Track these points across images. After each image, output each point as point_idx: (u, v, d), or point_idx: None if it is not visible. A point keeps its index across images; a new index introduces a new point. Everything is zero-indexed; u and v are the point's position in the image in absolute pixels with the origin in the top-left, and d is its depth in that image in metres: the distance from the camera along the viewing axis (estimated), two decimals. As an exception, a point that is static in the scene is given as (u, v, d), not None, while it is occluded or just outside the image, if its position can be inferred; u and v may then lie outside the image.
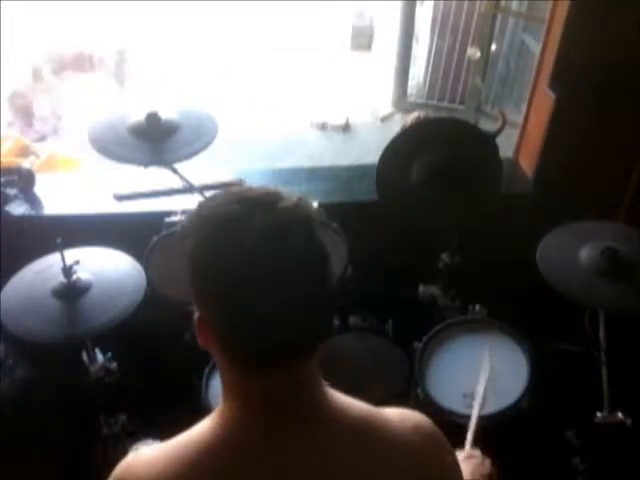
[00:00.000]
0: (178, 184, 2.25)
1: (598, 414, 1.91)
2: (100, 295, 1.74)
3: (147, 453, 0.85)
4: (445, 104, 5.43)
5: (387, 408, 0.91)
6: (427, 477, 0.87)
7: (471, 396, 1.81)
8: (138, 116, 1.95)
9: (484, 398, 1.67)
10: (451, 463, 0.93)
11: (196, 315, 0.81)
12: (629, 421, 1.89)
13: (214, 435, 0.82)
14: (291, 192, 0.80)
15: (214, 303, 0.78)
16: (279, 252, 0.74)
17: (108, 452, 1.92)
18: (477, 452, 1.34)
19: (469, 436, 1.48)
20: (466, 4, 5.01)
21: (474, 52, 3.76)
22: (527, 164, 2.61)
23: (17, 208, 2.39)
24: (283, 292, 0.74)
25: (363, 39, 6.85)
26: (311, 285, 0.77)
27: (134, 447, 1.17)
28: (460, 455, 1.30)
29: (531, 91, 2.53)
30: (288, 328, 0.77)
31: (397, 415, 0.89)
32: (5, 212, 2.35)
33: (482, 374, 1.71)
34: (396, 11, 5.32)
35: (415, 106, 5.31)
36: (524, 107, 2.62)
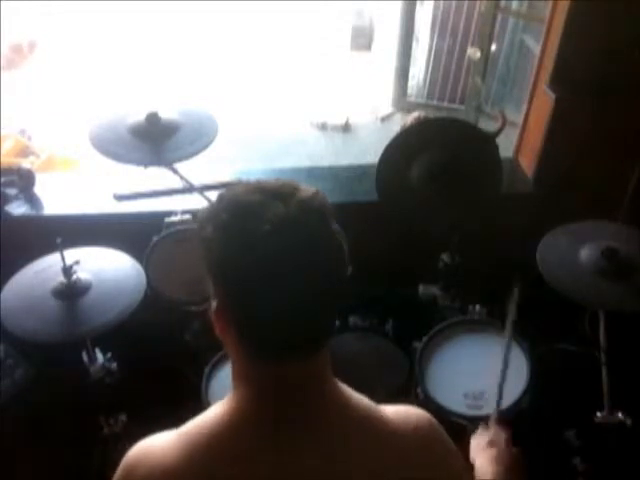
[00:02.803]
0: (178, 184, 2.25)
1: (598, 414, 1.91)
2: (100, 295, 1.74)
3: (159, 441, 0.86)
4: (445, 104, 5.43)
5: (388, 405, 0.91)
6: (427, 475, 0.87)
7: (471, 396, 1.82)
8: (138, 116, 1.95)
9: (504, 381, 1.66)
10: (451, 459, 0.93)
11: (213, 304, 0.82)
12: (629, 421, 1.89)
13: (227, 421, 0.83)
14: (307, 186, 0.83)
15: (231, 288, 0.79)
16: (297, 238, 0.76)
17: (108, 452, 1.92)
18: (500, 439, 1.29)
19: (492, 421, 1.45)
20: (466, 4, 5.01)
21: (474, 52, 3.75)
22: (527, 164, 2.61)
23: (17, 208, 2.39)
24: (301, 277, 0.76)
25: (363, 39, 6.84)
26: (329, 271, 0.79)
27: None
28: (482, 441, 1.28)
29: (531, 91, 2.53)
30: (305, 314, 0.78)
31: (398, 413, 0.90)
32: (5, 212, 2.35)
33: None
34: (396, 11, 5.32)
35: (415, 106, 5.31)
36: (524, 107, 2.62)
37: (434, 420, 0.93)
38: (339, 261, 0.81)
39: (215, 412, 0.85)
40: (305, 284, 0.76)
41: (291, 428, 0.82)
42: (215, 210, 0.80)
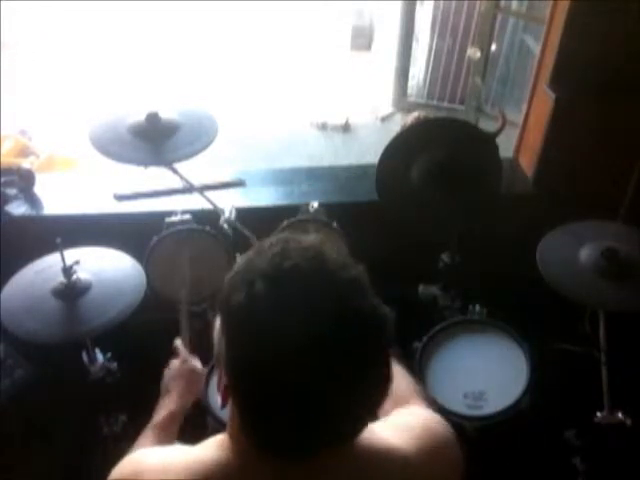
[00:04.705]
0: (178, 184, 2.25)
1: (598, 414, 1.91)
2: (100, 295, 1.74)
3: (154, 461, 0.84)
4: (445, 104, 5.43)
5: (396, 413, 0.90)
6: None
7: (471, 396, 1.82)
8: (138, 116, 1.95)
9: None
10: (458, 465, 0.92)
11: (223, 382, 0.78)
12: (629, 421, 1.89)
13: (222, 460, 0.80)
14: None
15: (241, 382, 0.74)
16: (341, 359, 0.70)
17: (108, 452, 1.92)
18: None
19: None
20: (466, 4, 5.01)
21: (474, 52, 3.75)
22: (527, 164, 2.61)
23: (17, 208, 2.39)
24: (321, 392, 0.70)
25: (363, 39, 6.84)
26: (362, 391, 0.73)
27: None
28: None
29: (531, 91, 2.53)
30: (325, 433, 0.74)
31: (413, 441, 0.86)
32: (5, 212, 2.35)
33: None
34: (396, 11, 5.32)
35: (415, 106, 5.31)
36: (524, 107, 2.62)
37: (440, 422, 0.91)
38: (379, 377, 0.75)
39: (211, 449, 0.82)
40: (326, 394, 0.70)
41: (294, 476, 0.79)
42: (256, 308, 0.71)
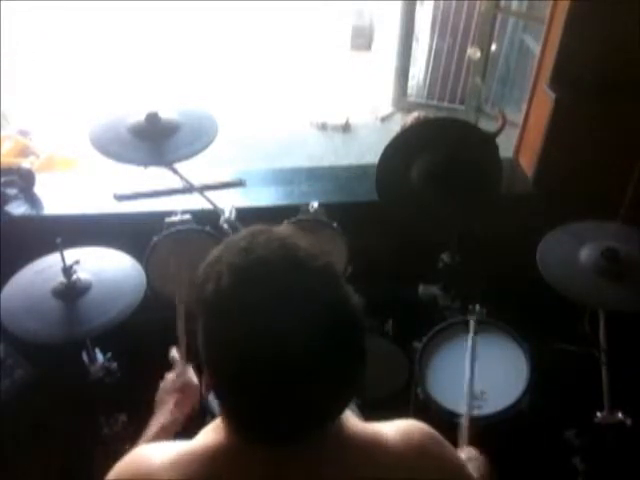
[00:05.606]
0: (178, 184, 2.25)
1: (598, 414, 1.91)
2: (100, 295, 1.74)
3: (156, 457, 0.84)
4: (445, 104, 5.43)
5: (389, 424, 0.89)
6: None
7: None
8: (138, 116, 1.96)
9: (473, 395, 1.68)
10: (458, 470, 0.91)
11: (206, 379, 0.79)
12: (629, 421, 1.89)
13: (216, 442, 0.81)
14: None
15: (220, 372, 0.75)
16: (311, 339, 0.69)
17: (108, 452, 1.92)
18: (475, 452, 1.33)
19: (464, 436, 1.47)
20: (466, 4, 5.01)
21: (474, 52, 3.76)
22: (527, 164, 2.62)
23: (17, 208, 2.39)
24: (299, 376, 0.70)
25: (363, 39, 6.85)
26: (333, 372, 0.73)
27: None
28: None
29: (531, 91, 2.53)
30: (302, 414, 0.74)
31: (400, 434, 0.86)
32: (5, 212, 2.35)
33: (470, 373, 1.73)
34: (396, 11, 5.32)
35: (415, 106, 5.30)
36: (524, 107, 2.63)
37: (435, 433, 0.90)
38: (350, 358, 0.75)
39: (207, 439, 0.83)
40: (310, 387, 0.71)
41: (286, 465, 0.79)
42: (227, 299, 0.72)
